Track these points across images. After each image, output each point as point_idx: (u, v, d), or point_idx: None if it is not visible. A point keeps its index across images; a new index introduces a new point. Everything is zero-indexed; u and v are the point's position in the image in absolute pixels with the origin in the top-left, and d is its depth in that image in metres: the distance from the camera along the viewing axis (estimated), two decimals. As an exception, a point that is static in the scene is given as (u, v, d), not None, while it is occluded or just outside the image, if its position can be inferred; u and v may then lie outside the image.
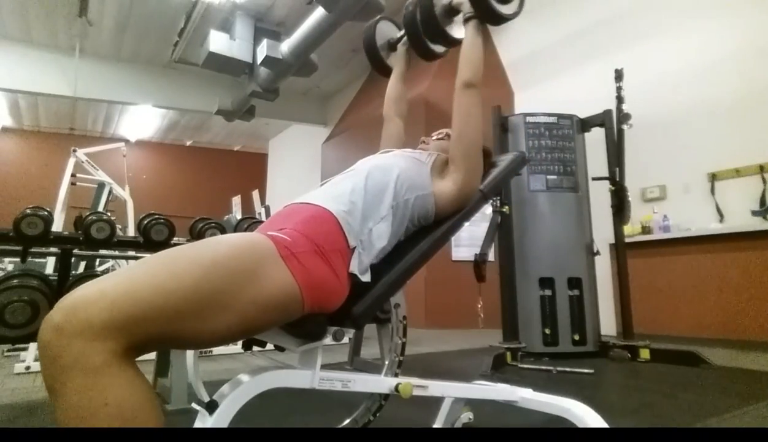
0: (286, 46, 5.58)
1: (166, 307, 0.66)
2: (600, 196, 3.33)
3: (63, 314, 0.60)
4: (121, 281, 0.66)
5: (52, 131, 10.40)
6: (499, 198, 2.93)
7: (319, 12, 4.94)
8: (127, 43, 6.73)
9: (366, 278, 0.95)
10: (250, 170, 11.66)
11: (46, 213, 1.87)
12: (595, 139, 3.39)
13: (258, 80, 6.14)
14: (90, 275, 2.20)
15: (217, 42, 5.62)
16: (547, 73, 5.04)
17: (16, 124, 10.16)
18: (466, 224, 1.23)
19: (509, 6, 1.23)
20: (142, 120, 10.18)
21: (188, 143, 11.88)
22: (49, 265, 3.34)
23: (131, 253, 2.80)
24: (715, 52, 3.87)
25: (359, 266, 0.93)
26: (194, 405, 0.81)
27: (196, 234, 2.21)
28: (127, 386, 0.60)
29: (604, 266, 3.65)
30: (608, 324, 3.69)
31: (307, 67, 5.86)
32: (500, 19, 1.22)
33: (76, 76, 6.50)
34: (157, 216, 2.11)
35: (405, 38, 1.54)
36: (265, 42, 5.61)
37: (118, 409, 0.59)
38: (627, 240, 3.37)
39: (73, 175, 4.34)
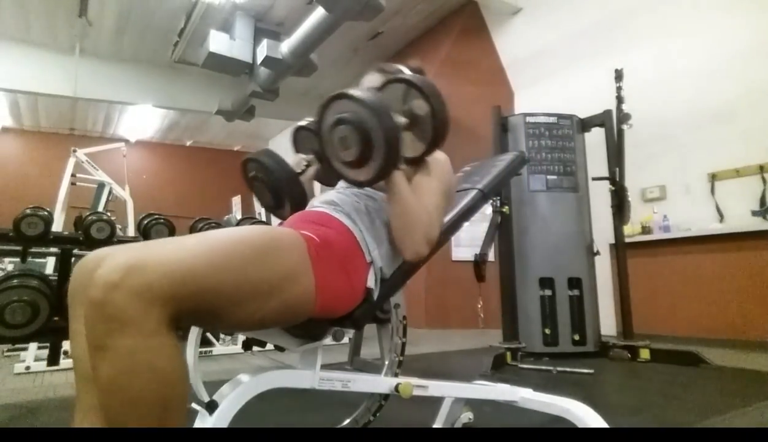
0: (286, 47, 5.57)
1: (217, 284, 0.67)
2: (600, 196, 3.33)
3: (121, 273, 0.59)
4: (178, 252, 0.66)
5: (52, 131, 10.37)
6: (499, 198, 2.93)
7: (319, 12, 4.94)
8: (127, 43, 6.72)
9: (377, 292, 0.96)
10: (251, 170, 11.63)
11: (46, 213, 1.88)
12: (595, 139, 3.39)
13: (258, 80, 6.13)
14: (90, 275, 2.19)
15: (217, 42, 5.61)
16: (547, 73, 5.03)
17: (16, 124, 10.14)
18: (466, 224, 1.23)
19: (359, 172, 0.93)
20: (142, 120, 10.16)
21: (188, 143, 11.86)
22: (49, 265, 3.35)
23: (131, 253, 2.80)
24: (715, 52, 3.86)
25: (375, 282, 0.95)
26: (194, 405, 0.81)
27: (196, 234, 2.20)
28: (173, 355, 0.62)
29: (604, 266, 3.66)
30: (608, 324, 3.69)
31: (307, 67, 5.86)
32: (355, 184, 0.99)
33: (76, 76, 6.48)
34: (157, 216, 2.12)
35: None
36: (265, 42, 5.60)
37: (163, 374, 0.60)
38: (627, 240, 3.37)
39: (73, 175, 4.35)
